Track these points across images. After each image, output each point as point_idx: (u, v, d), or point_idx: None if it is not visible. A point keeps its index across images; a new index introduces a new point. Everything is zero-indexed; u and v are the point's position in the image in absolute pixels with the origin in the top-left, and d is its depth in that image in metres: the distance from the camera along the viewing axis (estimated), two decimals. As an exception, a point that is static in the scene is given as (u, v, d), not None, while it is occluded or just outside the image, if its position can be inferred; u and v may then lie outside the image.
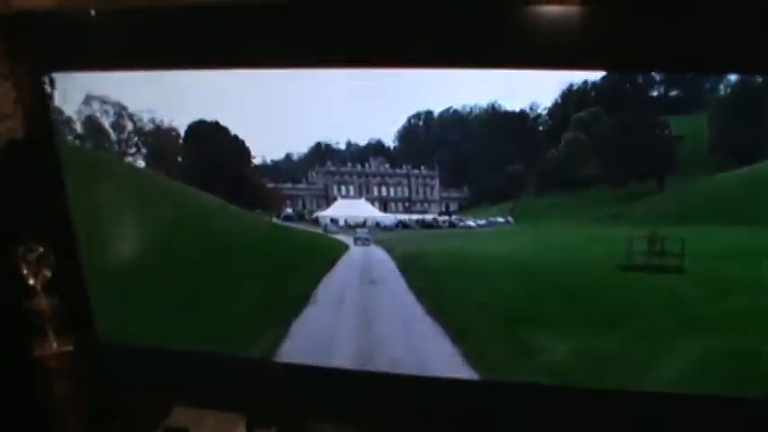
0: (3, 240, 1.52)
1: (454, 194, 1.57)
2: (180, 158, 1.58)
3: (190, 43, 1.40)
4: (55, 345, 1.54)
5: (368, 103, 1.43)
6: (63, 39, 1.44)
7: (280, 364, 1.59)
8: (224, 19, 1.36)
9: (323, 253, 1.66)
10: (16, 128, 1.59)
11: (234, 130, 1.53)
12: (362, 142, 1.53)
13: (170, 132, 1.52)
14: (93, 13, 1.41)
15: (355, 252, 1.63)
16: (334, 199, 1.62)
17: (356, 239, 1.63)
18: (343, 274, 1.61)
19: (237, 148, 1.54)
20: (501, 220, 1.55)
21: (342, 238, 1.65)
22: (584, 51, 1.30)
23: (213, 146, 1.55)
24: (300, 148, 1.55)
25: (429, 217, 1.60)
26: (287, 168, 1.58)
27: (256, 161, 1.56)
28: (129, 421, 1.66)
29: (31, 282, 1.53)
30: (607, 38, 1.28)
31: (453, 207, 1.58)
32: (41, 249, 1.53)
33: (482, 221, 1.57)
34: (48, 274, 1.53)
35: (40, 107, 1.50)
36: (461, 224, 1.59)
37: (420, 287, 1.58)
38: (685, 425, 1.47)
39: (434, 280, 1.58)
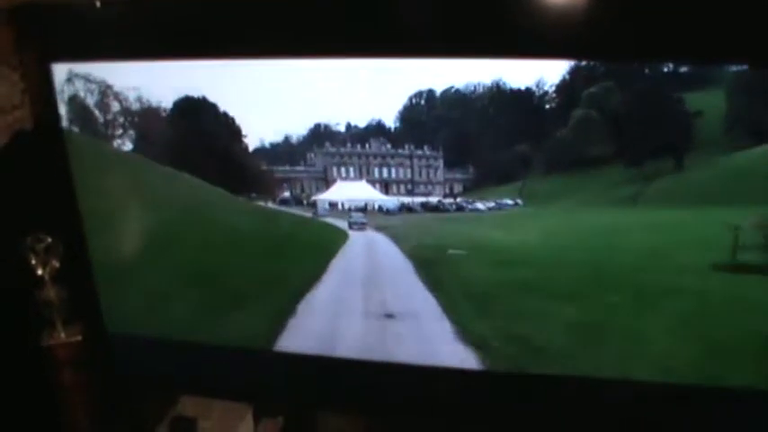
0: (11, 230, 1.54)
1: (459, 176, 1.53)
2: (165, 138, 1.55)
3: (195, 33, 1.40)
4: (63, 335, 1.55)
5: (367, 83, 1.39)
6: (71, 29, 1.45)
7: (286, 354, 1.58)
8: (227, 9, 1.35)
9: (312, 248, 1.60)
10: (24, 118, 1.60)
11: (229, 110, 1.50)
12: (363, 123, 1.49)
13: (159, 112, 1.51)
14: (98, 4, 1.42)
15: (355, 247, 1.56)
16: (334, 181, 1.58)
17: (351, 224, 1.58)
18: (335, 291, 1.55)
19: (226, 127, 1.51)
20: (510, 202, 1.50)
21: (332, 221, 1.60)
22: (587, 41, 1.26)
23: (200, 124, 1.52)
24: (298, 129, 1.51)
25: (434, 200, 1.55)
26: (284, 150, 1.55)
27: (250, 141, 1.53)
28: (136, 411, 1.67)
29: (40, 272, 1.54)
30: (610, 27, 1.23)
31: (457, 189, 1.54)
32: (50, 239, 1.54)
33: (491, 204, 1.53)
34: (56, 264, 1.54)
35: (48, 98, 1.51)
36: (470, 207, 1.54)
37: (479, 333, 1.47)
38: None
39: (493, 314, 1.44)
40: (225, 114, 1.50)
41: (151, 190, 1.62)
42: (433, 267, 1.50)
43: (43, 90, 1.52)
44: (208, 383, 1.65)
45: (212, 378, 1.64)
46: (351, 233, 1.58)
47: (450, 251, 1.48)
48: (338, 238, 1.58)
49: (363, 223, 1.57)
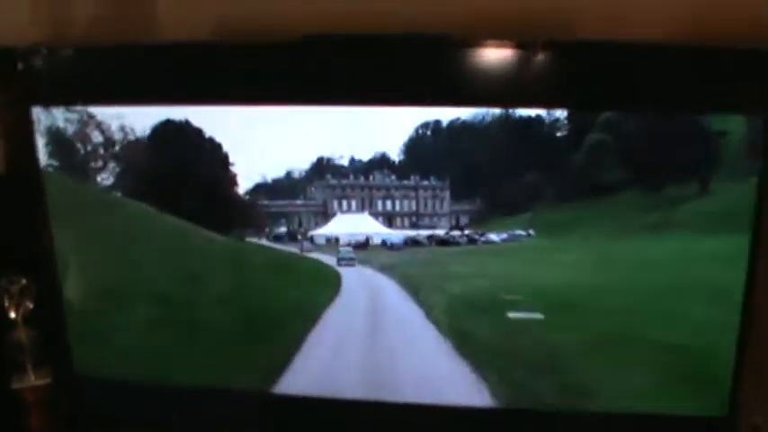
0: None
1: (466, 207, 1.48)
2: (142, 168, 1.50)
3: (175, 78, 1.41)
4: (33, 378, 1.52)
5: (370, 117, 1.37)
6: (49, 73, 1.45)
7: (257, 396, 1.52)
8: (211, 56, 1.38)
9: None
10: (-1, 161, 1.59)
11: (216, 139, 1.44)
12: (366, 156, 1.45)
13: (137, 142, 1.46)
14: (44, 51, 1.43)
15: (349, 315, 1.46)
16: (334, 215, 1.53)
17: (339, 260, 1.51)
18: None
19: (212, 154, 1.45)
20: (522, 233, 1.44)
21: (323, 259, 1.50)
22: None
23: (183, 151, 1.46)
24: (300, 163, 1.46)
25: (441, 232, 1.49)
26: (283, 184, 1.49)
27: (241, 174, 1.46)
28: None
29: (12, 315, 1.50)
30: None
31: (464, 221, 1.48)
32: (24, 281, 1.50)
33: (504, 235, 1.46)
34: (30, 305, 1.51)
35: (25, 140, 1.49)
36: (482, 239, 1.47)
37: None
38: None
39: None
40: (211, 144, 1.45)
41: (125, 233, 1.57)
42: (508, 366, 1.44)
43: (20, 133, 1.50)
44: (177, 426, 1.59)
45: (182, 420, 1.59)
46: (344, 281, 1.49)
47: (514, 315, 1.39)
48: (324, 291, 1.51)
49: (352, 259, 1.50)
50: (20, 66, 1.43)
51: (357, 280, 1.48)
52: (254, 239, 1.54)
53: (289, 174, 1.48)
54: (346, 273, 1.50)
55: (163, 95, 1.42)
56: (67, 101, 1.46)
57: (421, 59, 1.31)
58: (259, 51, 1.34)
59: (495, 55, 1.29)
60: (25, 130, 1.48)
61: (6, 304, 1.48)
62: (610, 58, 1.26)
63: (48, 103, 1.46)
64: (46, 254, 1.52)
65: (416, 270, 1.48)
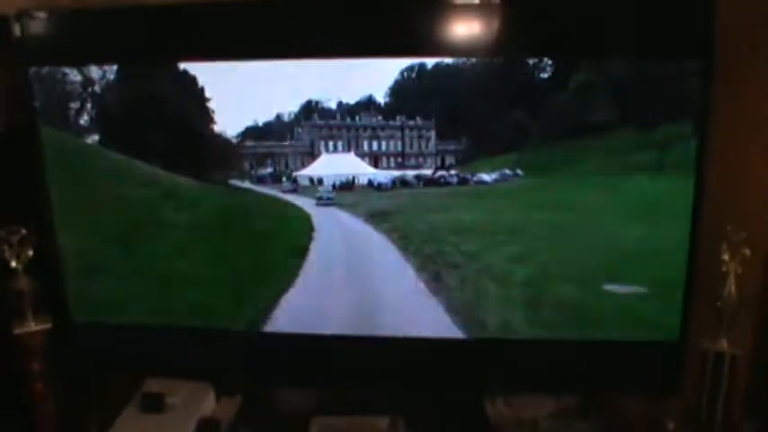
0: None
1: (451, 147, 1.48)
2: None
3: (165, 37, 1.46)
4: (33, 324, 1.55)
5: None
6: (46, 35, 1.48)
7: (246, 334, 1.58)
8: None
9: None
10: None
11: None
12: (353, 99, 1.45)
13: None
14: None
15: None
16: (320, 156, 1.53)
17: (318, 199, 1.51)
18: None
19: (186, 87, 1.45)
20: (508, 172, 1.43)
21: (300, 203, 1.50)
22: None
23: (152, 85, 1.47)
24: (289, 107, 1.46)
25: (428, 171, 1.49)
26: (270, 125, 1.49)
27: (225, 116, 1.46)
28: (104, 395, 1.67)
29: (14, 264, 1.52)
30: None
31: (450, 161, 1.49)
32: (24, 231, 1.53)
33: (495, 175, 1.46)
34: (30, 253, 1.53)
35: (23, 100, 1.52)
36: (474, 179, 1.46)
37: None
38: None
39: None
40: (183, 71, 1.44)
41: (118, 180, 1.59)
42: None
43: (19, 93, 1.53)
44: (170, 365, 1.67)
45: (175, 361, 1.67)
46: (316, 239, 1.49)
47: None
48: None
49: (331, 198, 1.50)
50: (18, 28, 1.46)
51: (334, 238, 1.52)
52: (238, 181, 1.54)
53: (278, 116, 1.48)
54: (321, 228, 1.50)
55: (157, 55, 1.45)
56: (67, 63, 1.49)
57: (403, 10, 1.32)
58: (245, 6, 1.36)
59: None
60: (26, 89, 1.50)
61: (7, 254, 1.51)
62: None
63: (46, 64, 1.49)
64: (43, 204, 1.56)
65: (418, 221, 1.48)
